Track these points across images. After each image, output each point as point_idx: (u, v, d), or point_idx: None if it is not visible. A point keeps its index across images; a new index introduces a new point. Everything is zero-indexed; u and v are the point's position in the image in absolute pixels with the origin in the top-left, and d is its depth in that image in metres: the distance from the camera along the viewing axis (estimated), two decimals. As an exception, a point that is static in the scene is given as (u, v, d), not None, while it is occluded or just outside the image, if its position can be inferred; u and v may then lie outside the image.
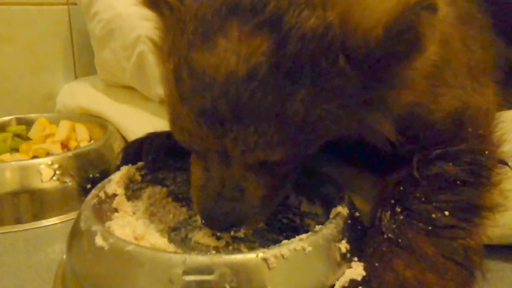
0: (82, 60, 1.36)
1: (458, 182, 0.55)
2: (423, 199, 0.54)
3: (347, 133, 0.54)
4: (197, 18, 0.50)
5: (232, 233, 0.57)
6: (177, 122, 0.54)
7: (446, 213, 0.53)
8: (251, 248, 0.63)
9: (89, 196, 0.62)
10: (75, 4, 1.25)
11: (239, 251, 0.62)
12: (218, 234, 0.63)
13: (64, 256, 0.62)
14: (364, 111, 0.52)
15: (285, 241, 0.49)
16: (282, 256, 0.46)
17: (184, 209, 0.73)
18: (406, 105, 0.53)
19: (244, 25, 0.47)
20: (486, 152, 0.57)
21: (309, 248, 0.48)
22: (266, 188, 0.55)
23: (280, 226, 0.68)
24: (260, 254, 0.46)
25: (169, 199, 0.74)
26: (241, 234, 0.59)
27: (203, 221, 0.57)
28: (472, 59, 0.70)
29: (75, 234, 0.56)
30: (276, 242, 0.61)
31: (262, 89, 0.47)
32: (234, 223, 0.56)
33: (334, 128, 0.51)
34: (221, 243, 0.62)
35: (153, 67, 0.95)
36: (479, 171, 0.56)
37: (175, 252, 0.58)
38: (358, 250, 0.54)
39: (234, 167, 0.53)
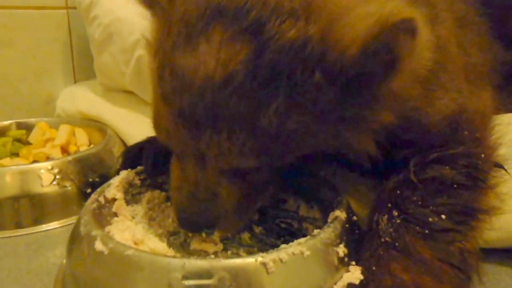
0: (82, 64, 1.36)
1: (455, 185, 0.55)
2: (420, 202, 0.54)
3: (323, 147, 0.54)
4: (183, 20, 0.50)
5: (203, 234, 0.59)
6: (158, 121, 0.55)
7: (443, 216, 0.53)
8: (249, 253, 0.63)
9: (89, 201, 0.62)
10: (75, 8, 1.25)
11: (238, 255, 0.63)
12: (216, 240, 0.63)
13: (64, 261, 0.62)
14: (341, 128, 0.52)
15: (283, 246, 0.50)
16: (281, 260, 0.47)
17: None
18: (388, 123, 0.52)
19: (226, 30, 0.47)
20: (483, 155, 0.58)
21: (307, 252, 0.48)
22: (240, 194, 0.56)
23: (278, 231, 0.68)
24: (259, 259, 0.46)
25: (168, 203, 0.74)
26: (215, 237, 0.61)
27: (178, 222, 0.59)
28: (469, 62, 0.70)
29: (75, 239, 0.56)
30: (275, 246, 0.61)
31: (236, 96, 0.47)
32: (206, 224, 0.57)
33: (309, 142, 0.52)
34: (219, 247, 0.62)
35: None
36: (476, 175, 0.56)
37: (174, 257, 0.58)
38: (356, 254, 0.54)
39: (208, 171, 0.53)
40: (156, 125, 0.56)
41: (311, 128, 0.50)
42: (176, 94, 0.50)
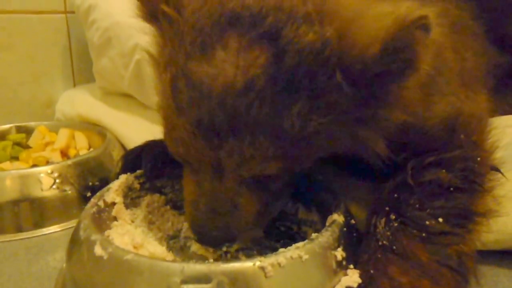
0: (81, 68, 1.37)
1: (452, 188, 0.55)
2: (417, 206, 0.54)
3: (340, 149, 0.55)
4: (196, 29, 0.50)
5: (225, 248, 0.58)
6: (172, 134, 0.54)
7: (440, 219, 0.53)
8: (249, 256, 0.63)
9: (88, 205, 0.63)
10: (73, 12, 1.26)
11: (237, 258, 0.63)
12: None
13: (64, 265, 0.62)
14: (357, 128, 0.52)
15: (281, 249, 0.50)
16: (279, 264, 0.47)
17: (182, 217, 0.73)
18: (397, 123, 0.53)
19: (242, 37, 0.48)
20: (479, 158, 0.58)
21: (305, 256, 0.49)
22: (259, 204, 0.55)
23: (277, 233, 0.69)
24: (257, 263, 0.47)
25: (168, 207, 0.74)
26: (235, 248, 0.59)
27: (195, 237, 0.57)
28: (464, 66, 0.71)
29: (75, 243, 0.57)
30: (274, 249, 0.62)
31: (259, 102, 0.47)
32: (227, 239, 0.56)
33: (328, 144, 0.52)
34: (219, 252, 0.63)
35: (151, 75, 0.95)
36: (472, 178, 0.57)
37: (174, 261, 0.59)
38: (354, 257, 0.54)
39: (228, 182, 0.52)
40: (170, 138, 0.55)
41: (332, 129, 0.50)
42: (193, 104, 0.49)
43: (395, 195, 0.56)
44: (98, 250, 0.50)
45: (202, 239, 0.57)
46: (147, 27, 0.60)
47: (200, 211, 0.54)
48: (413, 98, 0.54)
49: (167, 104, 0.54)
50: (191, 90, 0.49)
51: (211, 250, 0.61)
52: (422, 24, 0.43)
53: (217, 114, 0.48)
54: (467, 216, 0.55)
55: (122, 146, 1.03)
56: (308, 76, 0.47)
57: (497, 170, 0.60)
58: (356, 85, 0.48)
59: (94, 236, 0.53)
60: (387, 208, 0.56)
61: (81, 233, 0.55)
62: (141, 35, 0.81)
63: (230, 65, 0.47)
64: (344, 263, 0.52)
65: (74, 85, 1.37)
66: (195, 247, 0.62)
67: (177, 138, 0.53)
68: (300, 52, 0.47)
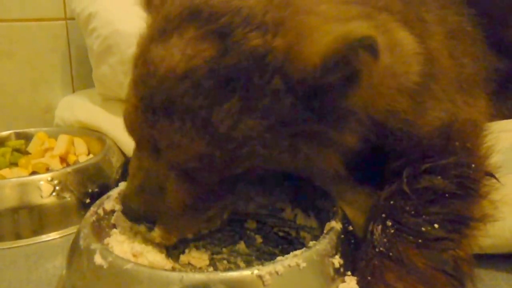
0: (80, 74, 1.37)
1: (447, 195, 0.56)
2: (413, 212, 0.55)
3: (280, 162, 0.55)
4: (165, 17, 0.54)
5: (143, 228, 0.59)
6: (125, 107, 0.57)
7: (436, 225, 0.54)
8: (247, 262, 0.64)
9: (88, 214, 0.63)
10: (73, 19, 1.26)
11: (235, 265, 0.63)
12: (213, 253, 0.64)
13: (64, 271, 0.62)
14: (299, 142, 0.53)
15: (279, 258, 0.50)
16: (277, 273, 0.47)
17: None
18: (353, 147, 0.54)
19: (198, 29, 0.51)
20: (473, 165, 0.59)
21: (303, 264, 0.49)
22: (187, 195, 0.56)
23: (276, 239, 0.69)
24: (255, 271, 0.47)
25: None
26: (154, 236, 0.60)
27: (121, 208, 0.60)
28: (463, 72, 0.71)
29: (75, 252, 0.57)
30: (273, 255, 0.63)
31: (194, 91, 0.49)
32: (147, 217, 0.58)
33: (263, 154, 0.53)
34: (206, 262, 0.63)
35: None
36: (467, 184, 0.57)
37: (173, 270, 0.59)
38: (351, 264, 0.55)
39: (160, 163, 0.55)
40: (124, 111, 0.58)
41: (266, 138, 0.51)
42: (141, 80, 0.53)
43: (391, 202, 0.57)
44: (98, 259, 0.51)
45: (125, 211, 0.60)
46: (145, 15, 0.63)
47: (132, 184, 0.58)
48: (401, 107, 0.56)
49: (130, 80, 0.57)
50: (143, 67, 0.53)
51: (199, 260, 0.62)
52: (366, 44, 0.44)
53: (156, 93, 0.51)
54: (462, 222, 0.56)
55: (122, 152, 1.03)
56: (244, 77, 0.49)
57: (492, 175, 0.60)
58: (295, 94, 0.49)
59: (94, 245, 0.53)
60: (383, 215, 0.56)
61: (81, 242, 0.55)
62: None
63: (178, 51, 0.50)
64: (341, 270, 0.53)
65: (73, 91, 1.38)
66: (185, 257, 0.62)
67: (127, 111, 0.56)
68: (241, 54, 0.49)
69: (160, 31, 0.53)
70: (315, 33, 0.47)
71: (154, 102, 0.51)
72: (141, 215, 0.58)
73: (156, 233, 0.59)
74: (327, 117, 0.51)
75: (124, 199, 0.60)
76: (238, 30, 0.49)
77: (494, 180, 0.60)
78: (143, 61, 0.54)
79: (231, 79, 0.49)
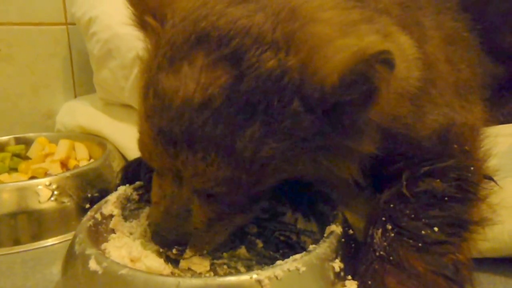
0: (81, 79, 1.37)
1: (446, 198, 0.56)
2: (412, 215, 0.55)
3: (303, 173, 0.56)
4: (169, 43, 0.53)
5: (174, 251, 0.59)
6: (141, 138, 0.57)
7: (435, 229, 0.54)
8: (248, 266, 0.63)
9: (85, 218, 0.63)
10: (74, 24, 1.27)
11: (236, 269, 0.63)
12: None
13: (60, 278, 0.62)
14: (319, 155, 0.53)
15: (279, 262, 0.50)
16: (276, 277, 0.47)
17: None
18: (370, 153, 0.54)
19: (208, 55, 0.50)
20: (472, 168, 0.59)
21: (303, 268, 0.48)
22: (212, 214, 0.57)
23: (277, 243, 0.69)
24: (254, 276, 0.47)
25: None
26: (187, 255, 0.60)
27: (151, 236, 0.60)
28: (459, 78, 0.72)
29: (70, 258, 0.57)
30: (273, 259, 0.62)
31: (214, 119, 0.49)
32: (178, 241, 0.58)
33: (286, 169, 0.53)
34: (206, 267, 0.62)
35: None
36: (466, 187, 0.57)
37: (170, 275, 0.58)
38: (352, 268, 0.54)
39: (184, 189, 0.55)
40: (140, 141, 0.58)
41: (288, 155, 0.51)
42: (156, 112, 0.52)
43: (391, 206, 0.57)
44: (92, 265, 0.50)
45: (155, 238, 0.60)
46: (141, 35, 0.62)
47: (158, 211, 0.58)
48: (401, 112, 0.56)
49: (139, 109, 0.56)
50: (156, 99, 0.52)
51: (199, 265, 0.61)
52: (383, 59, 0.44)
53: (175, 125, 0.50)
54: (462, 225, 0.55)
55: (123, 157, 1.03)
56: (264, 101, 0.49)
57: (491, 178, 0.60)
58: (314, 114, 0.49)
59: (89, 250, 0.53)
60: (383, 219, 0.56)
61: (76, 247, 0.55)
62: (141, 47, 0.81)
63: (192, 80, 0.49)
64: (342, 274, 0.52)
65: (75, 96, 1.38)
66: (185, 262, 0.61)
67: (143, 143, 0.56)
68: (258, 78, 0.48)
69: (167, 59, 0.52)
70: (328, 49, 0.47)
71: (174, 135, 0.50)
72: (172, 240, 0.58)
73: (188, 254, 0.60)
74: (346, 130, 0.51)
75: (153, 227, 0.60)
76: (251, 52, 0.48)
77: (493, 183, 0.60)
78: (154, 92, 0.52)
79: (250, 104, 0.48)
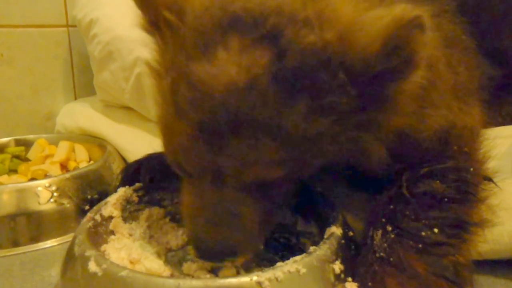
0: (82, 81, 1.38)
1: (446, 199, 0.56)
2: (412, 217, 0.55)
3: (341, 156, 0.54)
4: (197, 32, 0.50)
5: (226, 263, 0.55)
6: (171, 141, 0.53)
7: (435, 230, 0.54)
8: (247, 268, 0.62)
9: (85, 220, 0.62)
10: (75, 26, 1.28)
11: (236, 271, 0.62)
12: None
13: (59, 280, 0.61)
14: (359, 132, 0.52)
15: (279, 263, 0.50)
16: (276, 279, 0.47)
17: (182, 230, 0.72)
18: (395, 129, 0.54)
19: (244, 38, 0.48)
20: (471, 169, 0.59)
21: (303, 270, 0.48)
22: (262, 213, 0.54)
23: (276, 245, 0.68)
24: (254, 278, 0.46)
25: (167, 219, 0.74)
26: (238, 263, 0.56)
27: (196, 252, 0.55)
28: (457, 80, 0.72)
29: (69, 259, 0.56)
30: (273, 261, 0.62)
31: (261, 101, 0.47)
32: (229, 252, 0.53)
33: (330, 149, 0.52)
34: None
35: (152, 88, 0.95)
36: (466, 188, 0.57)
37: (170, 276, 0.58)
38: (352, 270, 0.54)
39: (229, 189, 0.51)
40: (169, 146, 0.54)
41: (334, 132, 0.50)
42: (194, 105, 0.49)
43: (391, 207, 0.56)
44: (92, 267, 0.50)
45: (202, 254, 0.54)
46: (147, 40, 0.61)
47: (200, 223, 0.53)
48: (407, 111, 0.55)
49: (167, 110, 0.53)
50: (192, 91, 0.49)
51: (203, 271, 0.60)
52: (418, 23, 0.44)
53: (219, 114, 0.47)
54: (462, 226, 0.55)
55: (123, 158, 1.03)
56: (310, 75, 0.47)
57: (490, 180, 0.60)
58: (358, 85, 0.48)
59: (89, 252, 0.52)
60: (383, 220, 0.56)
61: (76, 249, 0.55)
62: (141, 49, 0.81)
63: (232, 64, 0.47)
64: (342, 276, 0.52)
65: (76, 98, 1.38)
66: (187, 268, 0.61)
67: (177, 144, 0.52)
68: (301, 52, 0.47)
69: (198, 48, 0.50)
70: (361, 20, 0.47)
71: (217, 125, 0.47)
72: (223, 252, 0.53)
73: (239, 262, 0.57)
74: (383, 102, 0.51)
75: (198, 242, 0.54)
76: (288, 29, 0.48)
77: (492, 185, 0.60)
78: (188, 84, 0.49)
79: (296, 79, 0.47)
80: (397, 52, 0.45)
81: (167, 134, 0.54)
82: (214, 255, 0.54)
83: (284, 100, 0.47)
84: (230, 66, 0.47)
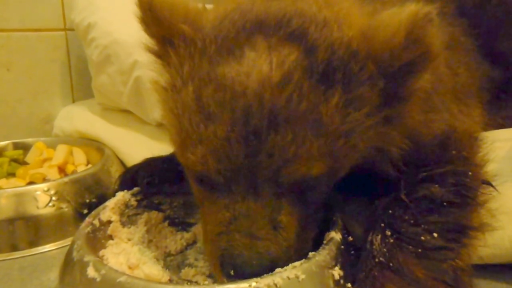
0: (80, 85, 1.37)
1: (445, 203, 0.56)
2: (412, 221, 0.54)
3: (366, 154, 0.55)
4: (220, 37, 0.52)
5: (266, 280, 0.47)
6: (197, 151, 0.50)
7: (435, 234, 0.53)
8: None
9: (83, 224, 0.62)
10: (73, 30, 1.27)
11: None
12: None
13: (57, 284, 0.61)
14: (386, 127, 0.54)
15: (278, 269, 0.49)
16: (276, 285, 0.46)
17: (180, 234, 0.72)
18: (413, 124, 0.56)
19: (270, 38, 0.50)
20: (470, 173, 0.59)
21: (302, 276, 0.48)
22: (300, 220, 0.52)
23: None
24: (253, 284, 0.46)
25: (166, 224, 0.74)
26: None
27: (229, 271, 0.48)
28: (458, 82, 0.72)
29: (68, 264, 0.56)
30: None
31: (297, 94, 0.48)
32: (269, 267, 0.48)
33: (361, 145, 0.53)
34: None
35: (150, 92, 0.95)
36: (464, 192, 0.57)
37: (168, 282, 0.58)
38: (352, 275, 0.54)
39: (265, 196, 0.49)
40: (191, 156, 0.51)
41: (366, 126, 0.52)
42: (225, 106, 0.48)
43: (390, 211, 0.56)
44: (91, 272, 0.50)
45: (240, 272, 0.48)
46: (146, 40, 0.61)
47: (235, 239, 0.48)
48: (417, 114, 0.57)
49: (190, 120, 0.50)
50: (221, 93, 0.48)
51: (202, 276, 0.60)
52: (430, 18, 0.48)
53: (254, 111, 0.47)
54: (461, 231, 0.55)
55: (121, 162, 1.03)
56: (341, 68, 0.50)
57: (489, 184, 0.60)
58: (386, 77, 0.50)
59: (87, 258, 0.52)
60: (382, 225, 0.56)
61: (74, 254, 0.54)
62: (140, 53, 0.81)
63: (263, 61, 0.48)
64: (342, 281, 0.52)
65: (73, 102, 1.38)
66: (185, 273, 0.61)
67: (206, 151, 0.49)
68: (329, 47, 0.50)
69: (223, 52, 0.50)
70: (378, 18, 0.51)
71: (253, 122, 0.46)
72: (264, 268, 0.48)
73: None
74: (406, 95, 0.53)
75: (234, 260, 0.48)
76: (311, 29, 0.51)
77: (491, 189, 0.60)
78: (216, 87, 0.48)
79: (328, 73, 0.49)
80: (417, 43, 0.48)
81: (190, 145, 0.51)
82: (252, 271, 0.48)
83: (319, 93, 0.49)
84: (261, 63, 0.49)
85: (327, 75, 0.49)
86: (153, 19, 0.57)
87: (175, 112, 0.54)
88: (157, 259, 0.64)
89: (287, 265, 0.49)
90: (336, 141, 0.50)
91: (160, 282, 0.56)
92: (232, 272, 0.48)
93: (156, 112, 1.02)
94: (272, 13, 0.52)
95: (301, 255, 0.52)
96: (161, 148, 0.78)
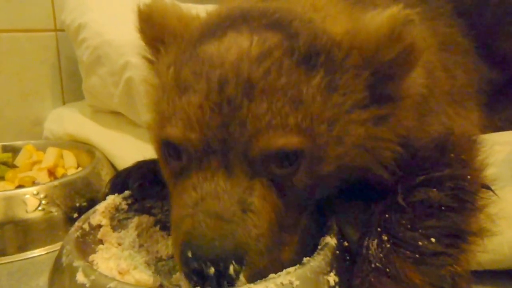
0: (70, 86, 1.36)
1: (443, 208, 0.55)
2: (409, 226, 0.53)
3: (356, 158, 0.54)
4: (205, 26, 0.54)
5: (231, 270, 0.42)
6: (172, 120, 0.49)
7: (433, 239, 0.52)
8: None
9: (72, 229, 0.61)
10: (63, 30, 1.26)
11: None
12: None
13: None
14: (376, 128, 0.54)
15: (271, 275, 0.48)
16: (269, 292, 0.45)
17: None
18: (408, 128, 0.56)
19: (253, 25, 0.51)
20: (469, 177, 0.58)
21: (296, 282, 0.47)
22: (277, 211, 0.48)
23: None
24: (245, 290, 0.45)
25: (157, 228, 0.73)
26: (240, 283, 0.44)
27: (192, 252, 0.43)
28: (455, 84, 0.72)
29: (57, 270, 0.55)
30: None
31: (276, 69, 0.48)
32: (234, 254, 0.43)
33: (348, 143, 0.52)
34: None
35: (141, 93, 0.95)
36: (463, 196, 0.56)
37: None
38: (347, 281, 0.52)
39: (236, 175, 0.45)
40: (166, 125, 0.50)
41: (352, 120, 0.51)
42: (201, 76, 0.48)
43: (386, 216, 0.55)
44: (80, 278, 0.49)
45: (200, 255, 0.42)
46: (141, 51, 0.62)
47: (198, 217, 0.44)
48: (410, 119, 0.56)
49: (168, 98, 0.51)
50: (199, 65, 0.49)
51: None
52: (410, 19, 0.49)
53: (230, 80, 0.47)
54: (459, 236, 0.54)
55: (112, 165, 1.01)
56: (324, 52, 0.50)
57: (488, 188, 0.59)
58: (370, 70, 0.51)
59: (77, 263, 0.51)
60: (379, 229, 0.54)
61: (63, 259, 0.53)
62: (131, 54, 0.80)
63: (245, 39, 0.49)
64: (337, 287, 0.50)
65: (64, 104, 1.36)
66: (177, 278, 0.60)
67: (179, 121, 0.48)
68: (313, 33, 0.51)
69: (206, 33, 0.52)
70: (362, 18, 0.52)
71: (228, 91, 0.46)
72: (227, 253, 0.42)
73: (242, 281, 0.44)
74: (395, 96, 0.54)
75: (196, 240, 0.42)
76: (295, 22, 0.52)
77: (490, 193, 0.59)
78: (195, 61, 0.50)
79: (311, 55, 0.49)
80: (400, 41, 0.49)
81: (165, 113, 0.51)
82: (215, 254, 0.42)
83: (299, 72, 0.48)
84: (242, 41, 0.49)
85: (309, 57, 0.49)
86: (150, 29, 0.59)
87: (157, 99, 0.56)
88: (148, 264, 0.63)
89: (258, 257, 0.45)
90: (317, 124, 0.49)
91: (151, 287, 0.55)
92: (190, 254, 0.42)
93: (147, 114, 1.01)
94: (257, 7, 0.53)
95: (279, 255, 0.49)
96: (153, 151, 0.77)
